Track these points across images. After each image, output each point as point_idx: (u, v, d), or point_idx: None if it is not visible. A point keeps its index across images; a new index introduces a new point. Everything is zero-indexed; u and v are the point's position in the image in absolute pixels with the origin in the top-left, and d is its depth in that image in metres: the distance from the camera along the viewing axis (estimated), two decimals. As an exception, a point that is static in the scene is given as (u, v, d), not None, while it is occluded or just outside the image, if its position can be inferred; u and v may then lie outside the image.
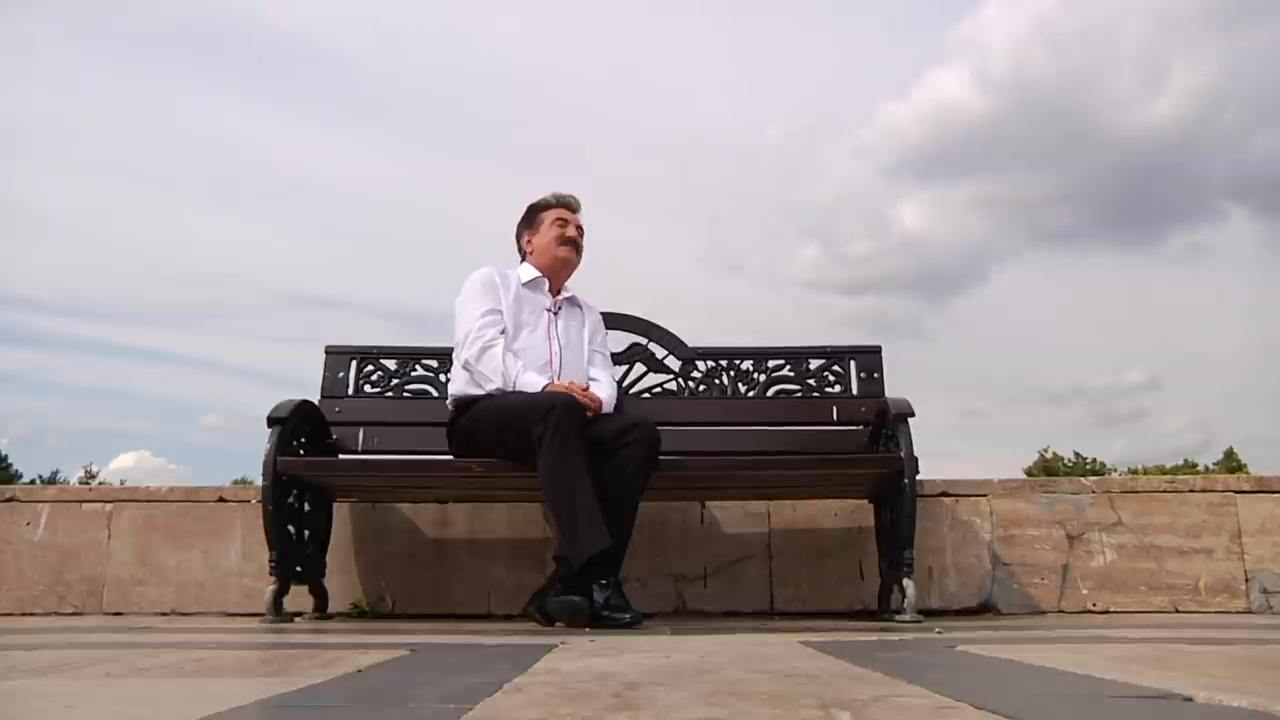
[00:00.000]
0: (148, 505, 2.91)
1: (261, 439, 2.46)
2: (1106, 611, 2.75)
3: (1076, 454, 43.82)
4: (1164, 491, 2.89)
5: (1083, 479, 2.99)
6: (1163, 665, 1.25)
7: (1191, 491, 2.88)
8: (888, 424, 2.55)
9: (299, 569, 2.56)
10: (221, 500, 2.91)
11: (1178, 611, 2.75)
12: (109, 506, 2.92)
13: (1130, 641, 1.68)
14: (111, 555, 2.87)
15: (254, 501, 2.80)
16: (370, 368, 2.92)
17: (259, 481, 2.47)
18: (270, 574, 2.45)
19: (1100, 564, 2.80)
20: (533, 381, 2.42)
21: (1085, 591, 2.78)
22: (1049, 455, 43.19)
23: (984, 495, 2.87)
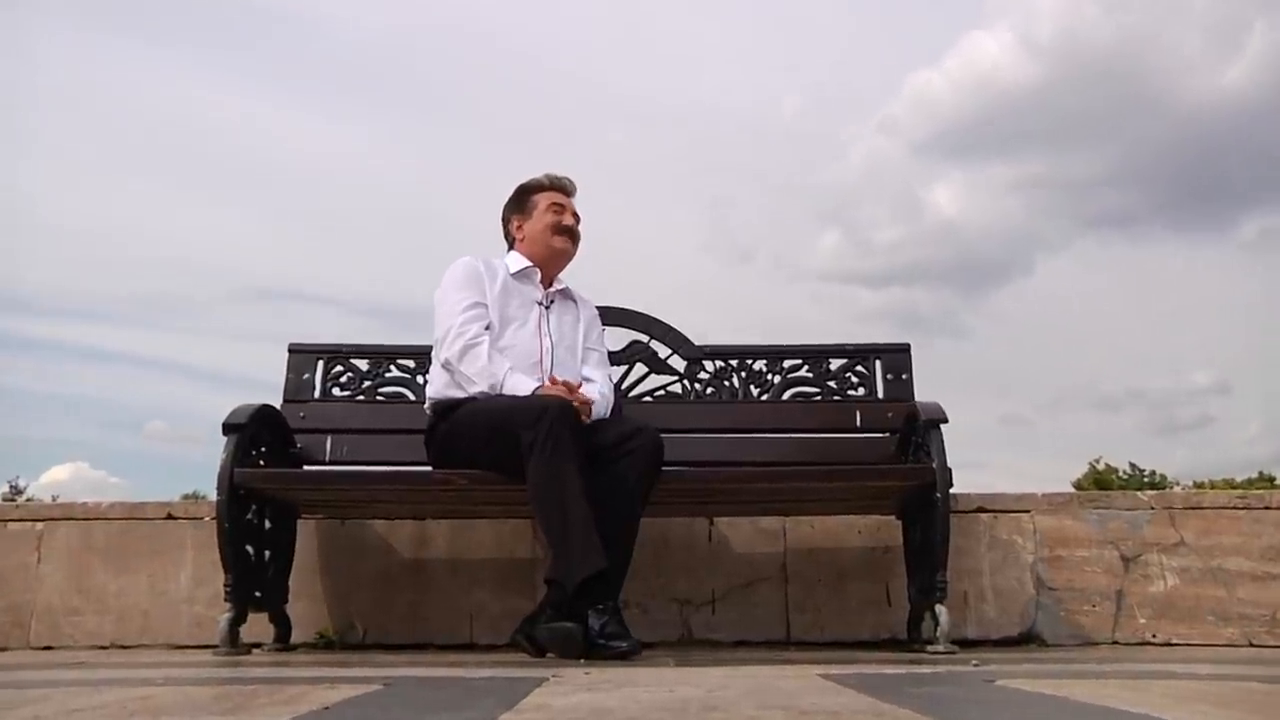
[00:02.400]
0: (84, 524, 2.91)
1: (216, 448, 2.46)
2: (1168, 644, 2.74)
3: (1132, 465, 43.80)
4: (1235, 508, 2.88)
5: (1139, 493, 2.98)
6: (1230, 706, 1.25)
7: (1267, 509, 2.87)
8: (917, 431, 2.55)
9: (258, 594, 2.56)
10: (170, 517, 2.91)
11: (1251, 645, 2.74)
12: (39, 526, 2.92)
13: (1195, 678, 1.68)
14: (41, 581, 2.86)
15: (207, 519, 2.80)
16: (339, 368, 2.92)
17: (212, 496, 2.47)
18: (225, 600, 2.45)
19: (1160, 590, 2.80)
20: (522, 384, 2.43)
21: (1143, 621, 2.78)
22: (1101, 467, 43.13)
23: (1026, 511, 2.87)
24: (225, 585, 2.44)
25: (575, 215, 2.74)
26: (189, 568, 2.86)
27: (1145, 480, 41.97)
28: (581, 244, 2.76)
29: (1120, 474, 42.80)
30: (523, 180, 2.78)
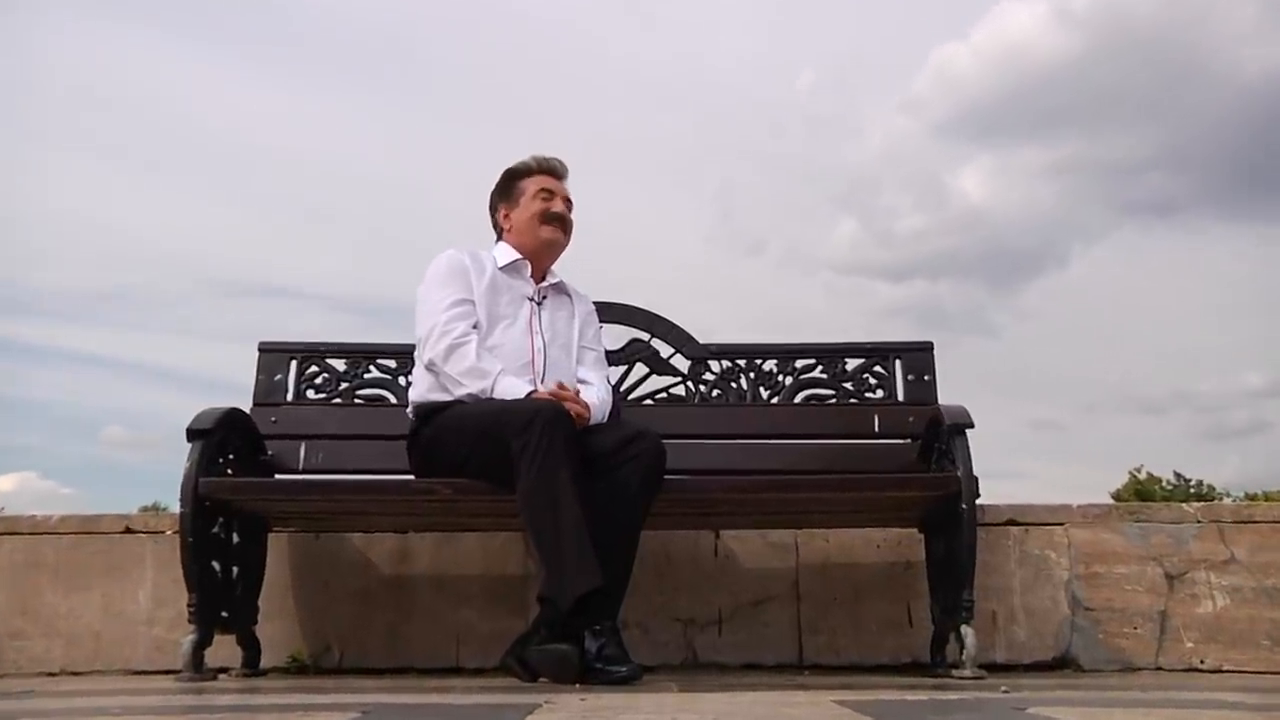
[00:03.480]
0: (32, 539, 2.91)
1: (179, 456, 2.47)
2: (1218, 670, 2.75)
3: (1177, 475, 43.73)
4: (1292, 522, 2.88)
5: (1185, 505, 2.97)
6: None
7: (1328, 523, 2.87)
8: (941, 437, 2.56)
9: (225, 614, 2.57)
10: (128, 531, 2.92)
11: (1310, 673, 2.74)
12: (-20, 542, 2.91)
13: (1246, 709, 1.68)
14: (-16, 601, 2.86)
15: (169, 532, 2.81)
16: (314, 369, 2.93)
17: (175, 508, 2.47)
18: (189, 621, 2.45)
19: (1208, 611, 2.80)
20: (515, 387, 2.43)
21: (1190, 645, 2.78)
22: (1142, 476, 43.11)
23: (1060, 524, 2.88)
24: (189, 605, 2.45)
25: (567, 201, 2.74)
26: (149, 586, 2.86)
27: (1191, 491, 41.93)
28: (575, 233, 2.76)
29: (1164, 484, 42.77)
30: (511, 164, 2.78)
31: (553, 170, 2.76)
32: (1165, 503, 3.21)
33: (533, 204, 2.70)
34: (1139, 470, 43.58)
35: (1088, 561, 2.84)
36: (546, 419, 2.23)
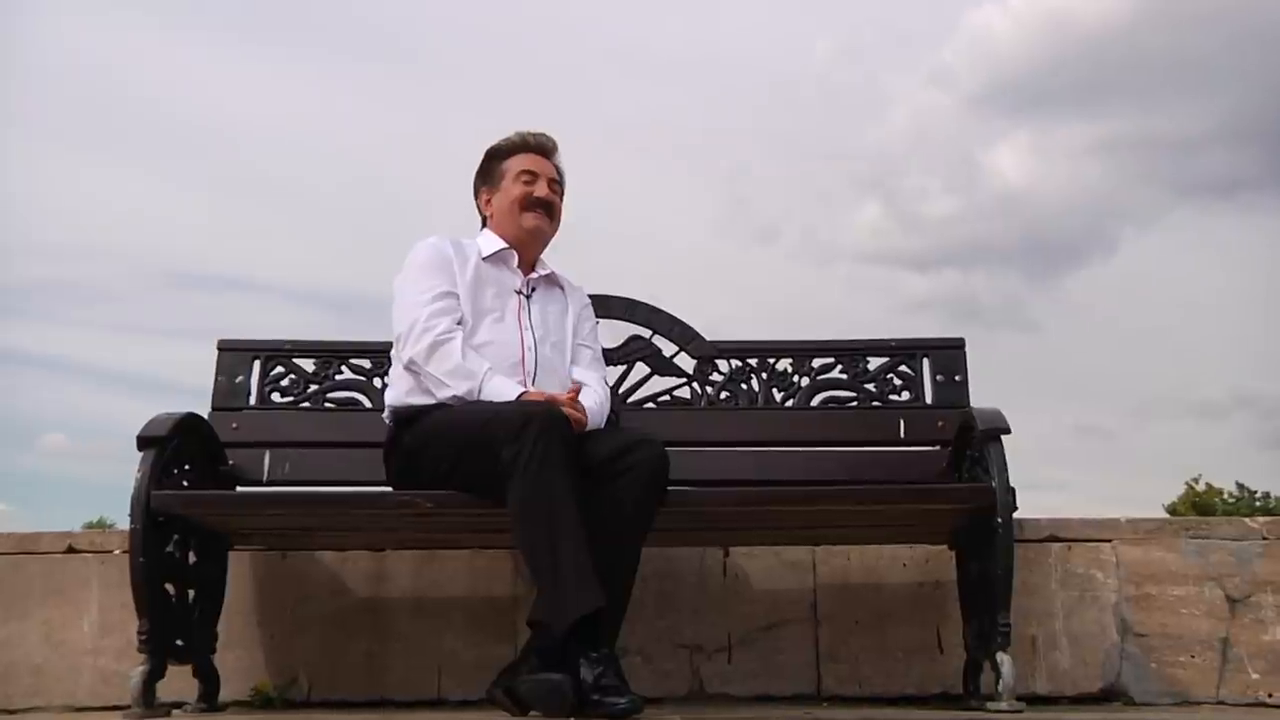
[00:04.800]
0: (-38, 560, 2.91)
1: (129, 466, 2.47)
2: (1287, 705, 2.76)
3: (1240, 486, 43.78)
4: (1372, 540, 2.88)
5: (1248, 520, 2.98)
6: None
7: None
8: (973, 443, 2.58)
9: (180, 643, 2.57)
10: (71, 551, 2.93)
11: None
12: (-98, 563, 2.91)
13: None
14: (-95, 631, 2.87)
15: (117, 552, 2.82)
16: (280, 369, 2.95)
17: (124, 524, 2.48)
18: (139, 650, 2.45)
19: (1276, 638, 2.82)
20: (505, 388, 2.45)
21: (1255, 676, 2.80)
22: (1200, 487, 43.12)
23: (1108, 540, 2.90)
24: (139, 632, 2.45)
25: (552, 183, 2.74)
26: (94, 612, 2.88)
27: (1256, 504, 41.93)
28: (568, 219, 2.78)
29: (1225, 496, 42.79)
30: (494, 142, 2.79)
31: (538, 147, 2.76)
32: (1226, 517, 3.23)
33: (513, 188, 2.70)
34: (1196, 481, 43.59)
35: (1138, 582, 2.86)
36: (541, 424, 2.24)
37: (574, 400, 2.46)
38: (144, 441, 2.50)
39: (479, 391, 2.44)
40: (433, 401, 2.49)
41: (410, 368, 2.53)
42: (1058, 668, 2.82)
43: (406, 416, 2.54)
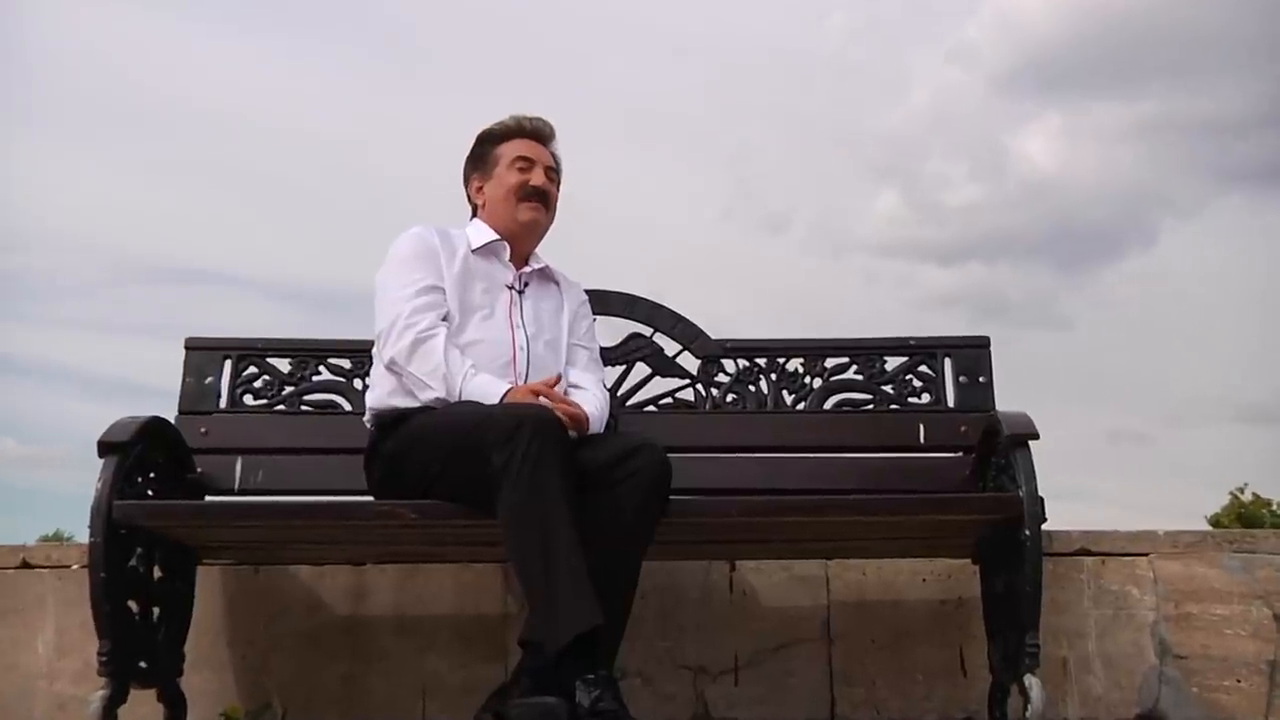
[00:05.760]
0: (-96, 577, 2.92)
1: (89, 474, 2.48)
2: (1340, 734, 2.78)
3: (1287, 496, 43.73)
4: None
5: (1300, 534, 3.00)
6: None
7: None
8: (999, 450, 2.59)
9: (143, 665, 2.57)
10: (24, 566, 2.94)
11: None
12: None
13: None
14: None
15: (75, 567, 2.83)
16: (253, 370, 2.95)
17: (82, 537, 2.50)
18: (99, 674, 2.45)
19: (1326, 661, 2.83)
20: (490, 387, 2.46)
21: (1305, 700, 2.81)
22: (1246, 497, 42.97)
23: (1145, 554, 2.91)
24: (99, 654, 2.45)
25: (549, 171, 2.76)
26: (49, 632, 2.88)
27: (1306, 516, 41.91)
28: (564, 209, 2.79)
29: (1274, 507, 42.75)
30: (486, 126, 2.80)
31: (534, 133, 2.77)
32: (1274, 530, 3.23)
33: (508, 176, 2.72)
34: (1241, 490, 43.39)
35: (1178, 600, 2.87)
36: (534, 427, 2.24)
37: (554, 391, 2.46)
38: (105, 447, 2.50)
39: (461, 391, 2.46)
40: (416, 404, 2.50)
41: (392, 367, 2.54)
42: (1090, 692, 2.83)
43: (389, 420, 2.55)
